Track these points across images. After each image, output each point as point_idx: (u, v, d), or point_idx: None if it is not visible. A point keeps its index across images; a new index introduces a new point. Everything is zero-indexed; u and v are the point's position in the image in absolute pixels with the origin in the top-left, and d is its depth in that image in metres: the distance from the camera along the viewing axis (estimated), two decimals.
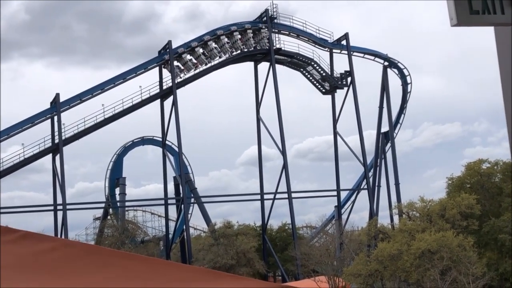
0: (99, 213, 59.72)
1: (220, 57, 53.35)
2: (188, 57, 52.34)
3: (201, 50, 52.61)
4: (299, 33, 56.19)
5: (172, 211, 55.51)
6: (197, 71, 52.72)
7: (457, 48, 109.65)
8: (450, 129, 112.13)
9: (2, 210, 48.33)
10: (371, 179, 57.22)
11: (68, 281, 2.81)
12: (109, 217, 57.64)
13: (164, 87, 51.78)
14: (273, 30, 54.72)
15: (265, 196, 55.79)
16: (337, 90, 58.22)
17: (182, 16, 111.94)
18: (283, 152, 53.13)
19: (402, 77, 60.72)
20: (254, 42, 54.45)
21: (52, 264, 2.93)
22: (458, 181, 44.94)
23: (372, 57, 59.40)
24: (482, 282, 33.45)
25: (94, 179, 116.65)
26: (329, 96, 58.67)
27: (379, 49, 59.86)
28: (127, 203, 58.51)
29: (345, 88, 57.61)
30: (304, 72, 57.82)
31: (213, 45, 52.95)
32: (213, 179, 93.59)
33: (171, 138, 53.54)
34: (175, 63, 51.95)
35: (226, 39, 53.29)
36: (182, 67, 52.23)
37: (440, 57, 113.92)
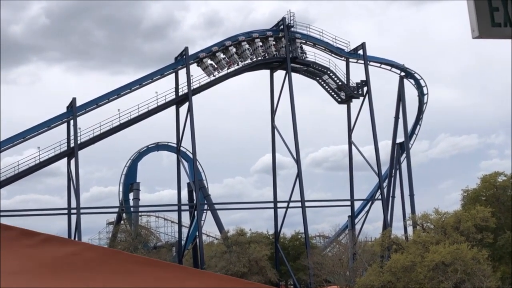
0: (113, 217, 59.95)
1: (238, 64, 53.53)
2: (222, 55, 52.65)
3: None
4: (315, 42, 56.16)
5: (185, 218, 55.64)
6: (213, 78, 52.85)
7: (475, 59, 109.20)
8: (467, 140, 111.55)
9: (17, 213, 48.64)
10: (385, 190, 56.96)
11: (90, 285, 2.82)
12: (122, 222, 57.79)
13: (180, 94, 51.91)
14: (290, 38, 54.78)
15: (279, 205, 55.70)
16: (353, 100, 58.10)
17: (201, 23, 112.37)
18: (297, 161, 53.04)
19: (419, 87, 60.48)
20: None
21: (74, 268, 2.95)
22: (474, 194, 44.68)
23: (389, 67, 59.24)
24: None
25: (109, 184, 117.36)
26: (345, 106, 58.58)
27: (396, 59, 59.78)
28: (140, 208, 58.67)
29: (361, 98, 57.47)
30: (320, 81, 57.75)
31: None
32: (228, 186, 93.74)
33: (186, 144, 53.71)
34: (208, 61, 52.26)
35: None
36: (215, 66, 52.53)
37: (458, 67, 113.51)
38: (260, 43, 53.90)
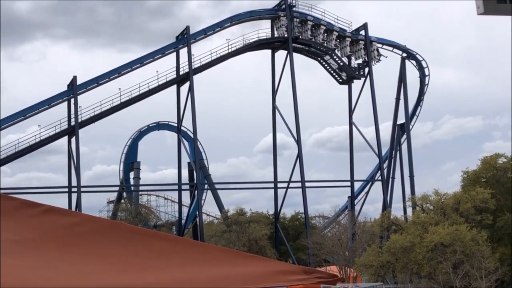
0: (113, 196, 60.04)
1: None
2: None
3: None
4: (317, 22, 55.81)
5: (186, 197, 55.73)
6: (214, 57, 52.63)
7: (480, 40, 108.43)
8: (472, 122, 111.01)
9: (17, 191, 48.68)
10: (385, 171, 57.01)
11: (92, 255, 2.82)
12: (122, 200, 57.92)
13: (181, 73, 51.73)
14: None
15: (279, 185, 55.77)
16: (354, 81, 57.92)
17: (208, 1, 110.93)
18: (298, 141, 53.03)
19: (420, 69, 60.27)
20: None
21: (75, 238, 2.95)
22: (474, 175, 44.73)
23: (391, 48, 58.97)
24: (495, 277, 33.38)
25: (112, 163, 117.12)
26: (346, 86, 58.38)
27: (400, 40, 59.49)
28: (141, 188, 58.74)
29: (362, 79, 57.31)
30: (321, 61, 57.55)
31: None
32: (231, 166, 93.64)
33: (187, 124, 53.58)
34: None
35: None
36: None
37: (463, 48, 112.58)
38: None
